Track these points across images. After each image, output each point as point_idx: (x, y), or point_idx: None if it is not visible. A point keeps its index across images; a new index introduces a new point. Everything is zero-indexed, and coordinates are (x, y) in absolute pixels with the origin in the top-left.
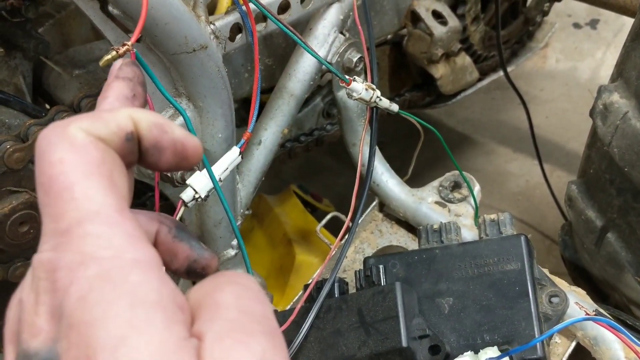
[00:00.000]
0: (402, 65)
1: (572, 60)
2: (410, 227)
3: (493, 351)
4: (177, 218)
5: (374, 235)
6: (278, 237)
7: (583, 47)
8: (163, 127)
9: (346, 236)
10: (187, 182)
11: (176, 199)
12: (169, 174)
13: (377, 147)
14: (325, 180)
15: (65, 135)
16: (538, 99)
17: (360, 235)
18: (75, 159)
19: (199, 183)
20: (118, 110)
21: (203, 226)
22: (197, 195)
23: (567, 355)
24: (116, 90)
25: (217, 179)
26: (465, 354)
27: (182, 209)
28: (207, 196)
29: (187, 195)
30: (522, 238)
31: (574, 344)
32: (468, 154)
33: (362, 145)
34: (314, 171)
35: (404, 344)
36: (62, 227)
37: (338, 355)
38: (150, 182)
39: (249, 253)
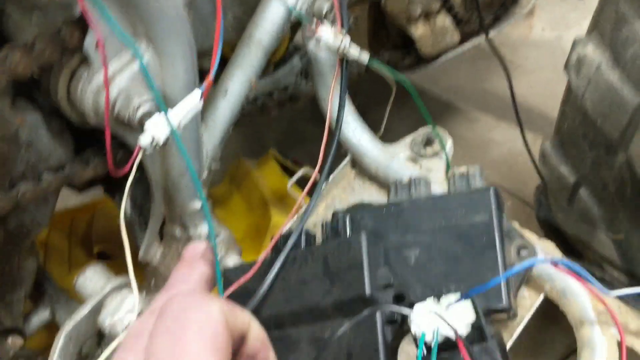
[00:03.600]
0: (381, 26)
1: (558, 30)
2: (382, 184)
3: (455, 296)
4: (136, 164)
5: (346, 192)
6: (255, 201)
7: (569, 17)
8: (265, 343)
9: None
10: (145, 126)
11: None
12: (125, 118)
13: (351, 105)
14: (307, 148)
15: (205, 308)
16: (523, 68)
17: (332, 192)
18: (206, 334)
19: (157, 127)
20: (245, 311)
21: (168, 176)
22: (155, 141)
23: (534, 308)
24: (202, 273)
25: (177, 124)
26: (427, 299)
27: (141, 154)
28: (166, 142)
29: (145, 140)
30: (492, 190)
31: (541, 297)
32: (451, 122)
33: (331, 95)
34: (297, 140)
35: (367, 292)
36: None
37: (302, 303)
38: (100, 125)
39: (226, 218)
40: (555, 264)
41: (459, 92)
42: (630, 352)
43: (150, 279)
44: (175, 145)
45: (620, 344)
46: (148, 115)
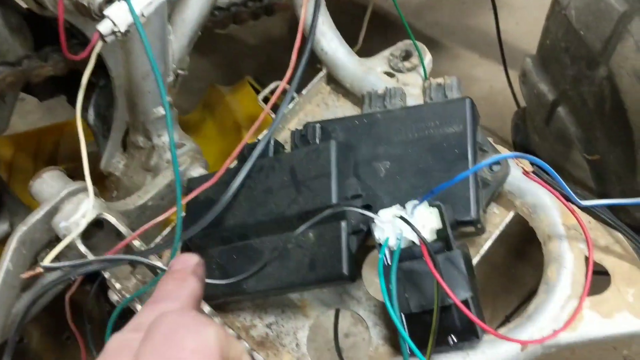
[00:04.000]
0: None
1: None
2: (357, 100)
3: (422, 203)
4: (95, 53)
5: (320, 108)
6: (228, 125)
7: None
8: None
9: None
10: (105, 13)
11: None
12: (85, 4)
13: (327, 15)
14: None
15: (201, 333)
16: (510, 5)
17: (305, 108)
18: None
19: (118, 15)
20: (239, 342)
21: (131, 77)
22: (116, 29)
23: (503, 224)
24: (193, 290)
25: (139, 13)
26: (392, 206)
27: (100, 44)
28: (127, 31)
29: (104, 27)
30: (467, 101)
31: (511, 214)
32: (434, 58)
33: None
34: (274, 70)
35: (334, 201)
36: None
37: (266, 213)
38: (53, 12)
39: (200, 144)
40: (526, 172)
41: (443, 28)
42: (598, 266)
43: (113, 191)
44: (138, 40)
45: (587, 260)
46: (109, 1)
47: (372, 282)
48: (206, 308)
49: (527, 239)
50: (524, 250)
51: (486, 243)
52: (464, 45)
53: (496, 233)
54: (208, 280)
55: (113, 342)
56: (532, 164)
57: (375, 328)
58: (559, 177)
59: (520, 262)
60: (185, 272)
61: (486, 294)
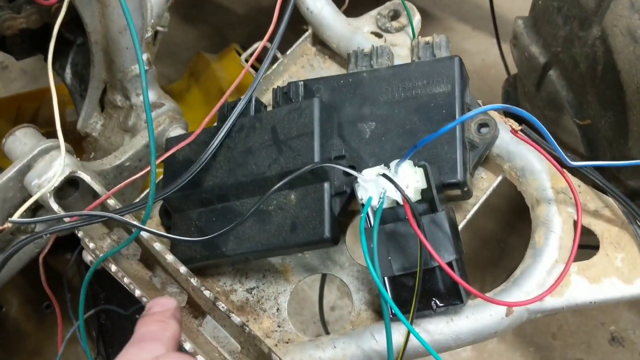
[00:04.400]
0: None
1: None
2: (344, 62)
3: (406, 161)
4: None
5: (305, 70)
6: (213, 93)
7: None
8: None
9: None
10: None
11: None
12: None
13: None
14: None
15: None
16: None
17: (290, 70)
18: None
19: None
20: None
21: (107, 33)
22: None
23: (491, 189)
24: (174, 332)
25: None
26: (377, 166)
27: None
28: None
29: None
30: (456, 60)
31: (499, 178)
32: (425, 30)
33: None
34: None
35: (316, 160)
36: None
37: (247, 174)
38: None
39: (184, 112)
40: (514, 131)
41: (436, 0)
42: (586, 231)
43: (90, 152)
44: None
45: (576, 223)
46: None
47: (355, 247)
48: (182, 268)
49: (517, 213)
50: (513, 225)
51: (473, 208)
52: (456, 17)
53: (483, 198)
54: (184, 238)
55: None
56: (520, 123)
57: (358, 294)
58: (547, 133)
59: (510, 236)
60: (165, 314)
61: (475, 267)
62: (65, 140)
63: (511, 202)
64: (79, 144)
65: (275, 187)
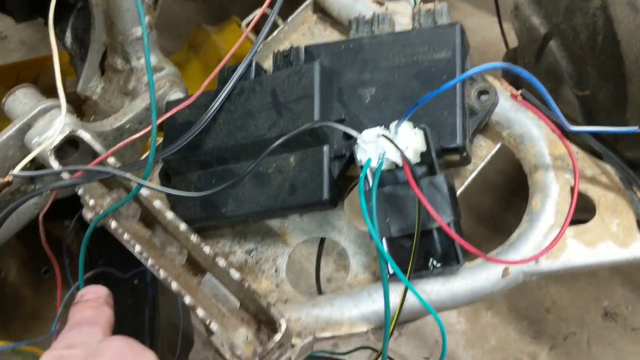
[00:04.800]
0: None
1: None
2: (345, 30)
3: (406, 123)
4: None
5: (305, 37)
6: (213, 64)
7: None
8: None
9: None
10: None
11: None
12: None
13: None
14: None
15: (144, 356)
16: None
17: (290, 37)
18: None
19: None
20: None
21: None
22: None
23: (489, 156)
24: (109, 317)
25: None
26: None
27: None
28: None
29: None
30: (457, 27)
31: (498, 145)
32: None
33: None
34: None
35: (316, 124)
36: None
37: (246, 136)
38: None
39: None
40: (514, 95)
41: None
42: (583, 198)
43: (90, 116)
44: None
45: (573, 189)
46: None
47: (353, 216)
48: (182, 225)
49: (513, 189)
50: (509, 201)
51: (471, 175)
52: None
53: (481, 165)
54: (182, 193)
55: (48, 358)
56: (518, 88)
57: (355, 257)
58: (547, 93)
59: (506, 213)
60: (98, 301)
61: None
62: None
63: (507, 178)
64: (78, 111)
65: (275, 144)
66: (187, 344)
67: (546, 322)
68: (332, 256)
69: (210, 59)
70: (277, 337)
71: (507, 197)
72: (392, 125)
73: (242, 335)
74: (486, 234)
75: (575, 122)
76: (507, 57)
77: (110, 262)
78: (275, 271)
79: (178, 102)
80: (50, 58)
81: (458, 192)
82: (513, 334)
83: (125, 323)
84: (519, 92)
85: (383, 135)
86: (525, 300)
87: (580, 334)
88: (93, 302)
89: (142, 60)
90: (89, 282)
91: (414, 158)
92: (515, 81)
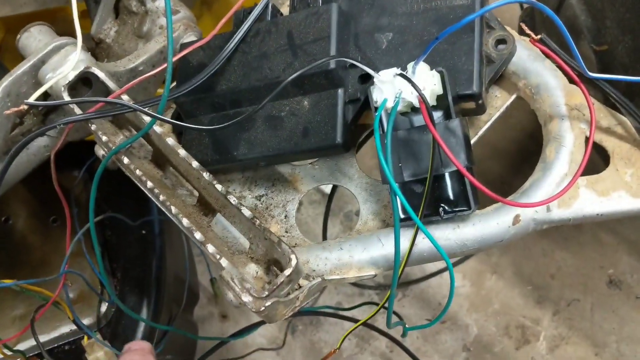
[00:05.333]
0: None
1: None
2: None
3: (424, 64)
4: None
5: None
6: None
7: None
8: None
9: None
10: None
11: None
12: None
13: None
14: None
15: None
16: None
17: None
18: None
19: None
20: None
21: None
22: None
23: (505, 106)
24: None
25: None
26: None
27: None
28: None
29: None
30: None
31: (513, 96)
32: None
33: None
34: None
35: (332, 65)
36: None
37: (261, 78)
38: None
39: None
40: (533, 40)
41: None
42: (597, 148)
43: (103, 59)
44: None
45: (587, 140)
46: None
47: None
48: (194, 163)
49: (524, 156)
50: (519, 168)
51: (485, 125)
52: None
53: (496, 115)
54: (194, 126)
55: None
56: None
57: (366, 204)
58: (568, 35)
59: (515, 179)
60: (144, 351)
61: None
62: None
63: (519, 146)
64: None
65: (288, 79)
66: (193, 298)
67: (550, 288)
68: (339, 217)
69: (223, 14)
70: (288, 271)
71: (517, 164)
72: (410, 65)
73: (252, 270)
74: (498, 187)
75: None
76: (525, 13)
77: (119, 211)
78: (285, 217)
79: (192, 43)
80: (61, 9)
81: (472, 141)
82: (517, 298)
83: (133, 271)
84: (538, 36)
85: (400, 74)
86: (530, 266)
87: (584, 301)
88: (140, 351)
89: (157, 3)
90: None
91: (430, 100)
92: (533, 31)
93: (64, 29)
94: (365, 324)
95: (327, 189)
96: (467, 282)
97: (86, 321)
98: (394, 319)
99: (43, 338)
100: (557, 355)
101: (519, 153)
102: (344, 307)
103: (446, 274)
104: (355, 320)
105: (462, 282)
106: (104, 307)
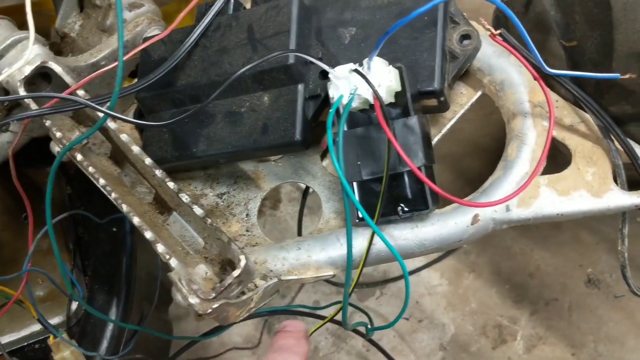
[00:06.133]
0: None
1: None
2: None
3: (380, 60)
4: None
5: None
6: None
7: None
8: None
9: None
10: None
11: None
12: None
13: None
14: None
15: None
16: None
17: None
18: None
19: None
20: None
21: None
22: None
23: (469, 103)
24: (306, 350)
25: None
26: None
27: None
28: None
29: None
30: None
31: (479, 93)
32: None
33: None
34: None
35: (291, 60)
36: None
37: (220, 73)
38: None
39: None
40: (493, 35)
41: None
42: (560, 145)
43: (68, 53)
44: None
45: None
46: None
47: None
48: (147, 160)
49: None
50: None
51: (449, 122)
52: None
53: (461, 112)
54: (146, 124)
55: None
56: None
57: (329, 202)
58: (525, 32)
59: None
60: (299, 334)
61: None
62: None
63: (500, 142)
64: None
65: (237, 73)
66: (167, 296)
67: (528, 287)
68: (318, 215)
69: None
70: (236, 272)
71: (496, 161)
72: (365, 61)
73: (201, 271)
74: (470, 181)
75: None
76: (499, 9)
77: (91, 209)
78: (247, 215)
79: (154, 37)
80: (38, 3)
81: (436, 139)
82: (494, 297)
83: (103, 269)
84: (498, 31)
85: (355, 70)
86: (508, 265)
87: (562, 300)
88: (295, 333)
89: None
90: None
91: (387, 97)
92: (507, 25)
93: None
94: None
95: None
96: (444, 281)
97: (57, 319)
98: (360, 319)
99: (12, 336)
100: (534, 355)
101: (499, 150)
102: (320, 307)
103: (424, 272)
104: (330, 320)
105: (439, 280)
106: (74, 306)
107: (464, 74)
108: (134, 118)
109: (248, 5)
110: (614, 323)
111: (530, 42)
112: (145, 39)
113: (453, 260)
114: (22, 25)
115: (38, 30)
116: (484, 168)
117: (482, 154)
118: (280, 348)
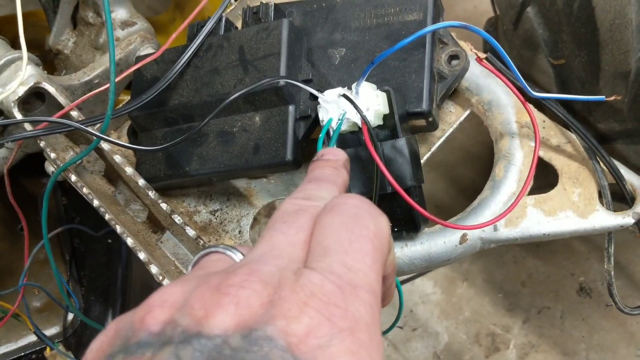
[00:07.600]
0: None
1: None
2: None
3: (369, 84)
4: None
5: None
6: None
7: None
8: (395, 268)
9: None
10: None
11: None
12: None
13: None
14: None
15: (379, 220)
16: None
17: None
18: (378, 244)
19: None
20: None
21: None
22: None
23: (458, 122)
24: (345, 180)
25: None
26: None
27: None
28: None
29: None
30: None
31: (467, 112)
32: None
33: None
34: None
35: (281, 83)
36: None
37: (212, 93)
38: None
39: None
40: (479, 59)
41: None
42: (547, 165)
43: (61, 70)
44: None
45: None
46: None
47: None
48: (140, 181)
49: None
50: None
51: (438, 141)
52: None
53: (450, 131)
54: (138, 147)
55: (289, 205)
56: (486, 52)
57: None
58: (506, 56)
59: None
60: (337, 163)
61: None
62: (44, 63)
63: (492, 151)
64: (51, 63)
65: (231, 97)
66: None
67: (521, 296)
68: None
69: (195, 19)
70: None
71: (489, 169)
72: (353, 86)
73: None
74: (466, 204)
75: (548, 92)
76: (489, 23)
77: (86, 221)
78: (239, 232)
79: (148, 57)
80: (32, 14)
81: (424, 158)
82: (487, 306)
83: (98, 280)
84: (485, 56)
85: (343, 95)
86: (501, 273)
87: (554, 308)
88: (333, 162)
89: (113, 14)
90: (64, 243)
91: (375, 120)
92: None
93: (32, 35)
94: None
95: None
96: (438, 290)
97: (53, 330)
98: None
99: (9, 347)
100: None
101: (492, 158)
102: None
103: (418, 281)
104: None
105: (433, 289)
106: (70, 316)
107: (453, 93)
108: (128, 135)
109: (239, 25)
110: (606, 331)
111: (514, 68)
112: (138, 58)
113: (446, 268)
114: (15, 38)
115: (32, 42)
116: (477, 176)
117: (475, 162)
118: (316, 178)
